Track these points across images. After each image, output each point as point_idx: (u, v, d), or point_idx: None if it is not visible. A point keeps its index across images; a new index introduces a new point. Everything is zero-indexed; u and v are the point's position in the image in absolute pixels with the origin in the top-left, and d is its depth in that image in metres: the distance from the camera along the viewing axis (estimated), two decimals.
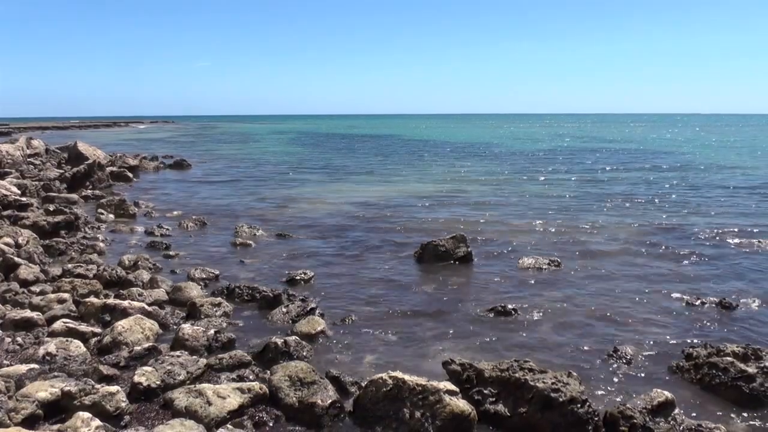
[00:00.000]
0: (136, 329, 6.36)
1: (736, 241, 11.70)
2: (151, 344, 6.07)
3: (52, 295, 7.51)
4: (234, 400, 4.82)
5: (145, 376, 5.17)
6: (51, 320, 6.76)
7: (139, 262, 9.53)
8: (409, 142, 55.63)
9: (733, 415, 5.09)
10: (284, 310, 7.42)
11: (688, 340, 6.65)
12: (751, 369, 5.44)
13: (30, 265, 8.85)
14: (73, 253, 10.26)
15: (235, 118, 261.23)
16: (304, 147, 48.74)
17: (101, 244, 11.02)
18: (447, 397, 4.63)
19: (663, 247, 11.20)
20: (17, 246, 10.08)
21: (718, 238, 12.05)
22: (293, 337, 6.26)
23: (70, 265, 9.00)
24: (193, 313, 7.31)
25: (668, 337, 6.83)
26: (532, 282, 9.02)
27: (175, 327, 6.82)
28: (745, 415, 5.08)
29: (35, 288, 7.99)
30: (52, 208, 13.96)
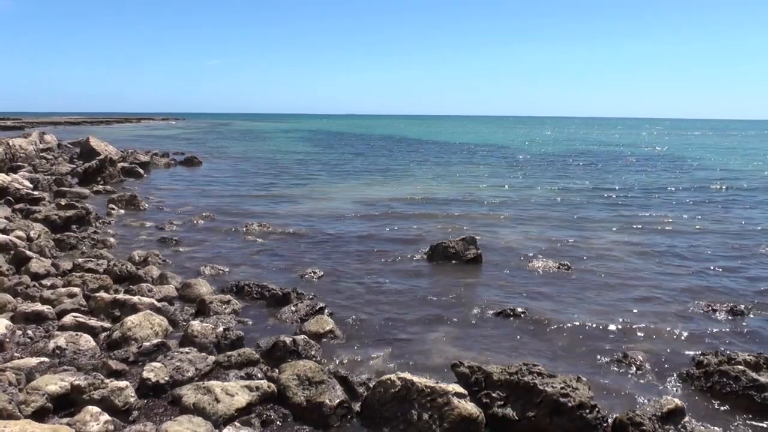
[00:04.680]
0: (145, 325, 6.38)
1: (748, 247, 11.61)
2: (160, 340, 6.08)
3: (63, 289, 7.54)
4: (242, 398, 4.83)
5: (154, 372, 5.19)
6: (61, 314, 6.78)
7: (149, 258, 9.57)
8: (418, 142, 55.60)
9: (743, 425, 5.04)
10: (293, 308, 7.42)
11: (699, 347, 6.59)
12: (763, 378, 5.39)
13: (41, 258, 8.90)
14: (84, 248, 10.29)
15: (245, 116, 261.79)
16: (314, 146, 48.80)
17: (112, 239, 11.07)
18: (455, 400, 4.61)
19: (674, 253, 11.13)
20: (29, 239, 10.16)
21: (729, 243, 11.96)
22: (302, 336, 6.26)
23: (80, 260, 9.04)
24: (202, 309, 7.33)
25: (678, 343, 6.78)
26: (542, 285, 8.98)
27: (184, 323, 6.83)
28: (757, 424, 5.03)
29: (46, 282, 8.03)
30: (63, 202, 14.06)
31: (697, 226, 13.88)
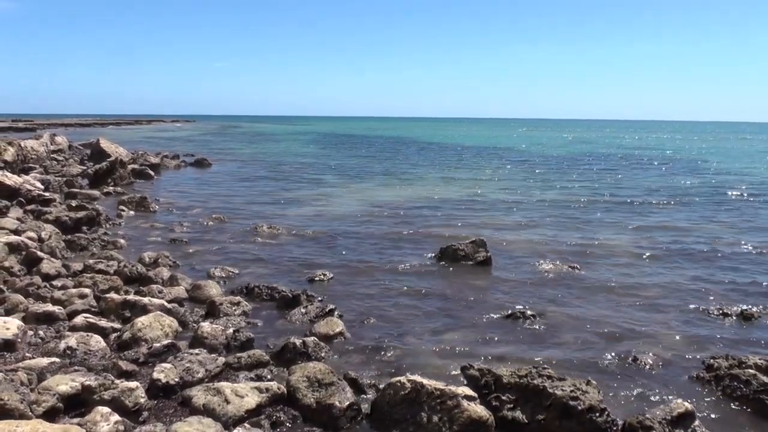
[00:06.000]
0: (155, 326, 6.40)
1: (758, 251, 11.54)
2: (170, 341, 6.11)
3: (74, 290, 7.58)
4: (252, 400, 4.84)
5: (164, 372, 5.21)
6: (72, 315, 6.82)
7: (159, 259, 9.61)
8: (428, 144, 55.59)
9: (754, 429, 5.01)
10: (303, 310, 7.44)
11: (709, 351, 6.56)
12: None
13: (52, 259, 8.95)
14: (95, 249, 10.36)
15: (253, 119, 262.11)
16: (323, 148, 48.90)
17: (122, 241, 11.12)
18: (465, 402, 4.61)
19: (684, 256, 11.08)
20: (40, 240, 10.22)
21: (739, 247, 11.90)
22: (312, 338, 6.28)
23: (91, 261, 9.09)
24: (212, 311, 7.35)
25: (688, 346, 6.75)
26: (551, 288, 8.95)
27: (194, 325, 6.85)
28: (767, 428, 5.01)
29: (57, 282, 8.08)
30: (74, 203, 14.14)
31: (709, 229, 13.81)
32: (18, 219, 11.80)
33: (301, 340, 6.10)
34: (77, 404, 4.77)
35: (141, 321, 6.40)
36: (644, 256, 11.01)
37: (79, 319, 6.56)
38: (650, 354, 6.44)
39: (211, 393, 4.87)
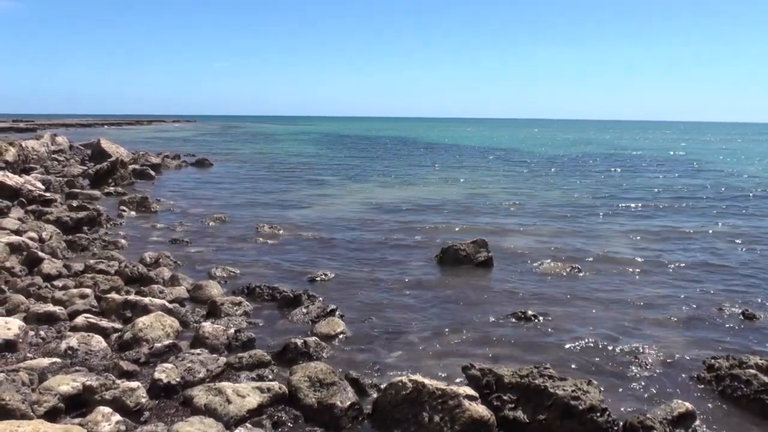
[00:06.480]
0: (156, 326, 6.41)
1: (761, 253, 11.53)
2: (171, 341, 6.11)
3: (75, 290, 7.58)
4: (253, 400, 4.85)
5: (165, 372, 5.21)
6: (73, 315, 6.83)
7: (161, 260, 9.61)
8: (429, 145, 55.60)
9: (755, 429, 5.01)
10: (304, 310, 7.44)
11: (710, 351, 6.55)
12: None
13: (53, 260, 8.96)
14: (95, 249, 10.36)
15: (255, 119, 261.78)
16: (324, 148, 48.89)
17: (123, 241, 11.12)
18: (466, 402, 4.61)
19: (685, 255, 11.08)
20: (41, 240, 10.23)
21: (741, 246, 11.91)
22: (313, 338, 6.28)
23: (92, 261, 9.09)
24: (213, 311, 7.35)
25: (690, 347, 6.74)
26: (553, 288, 8.95)
27: (195, 325, 6.85)
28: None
29: (58, 282, 8.08)
30: (75, 204, 14.15)
31: (712, 232, 13.78)
32: (19, 219, 11.82)
33: (302, 340, 6.11)
34: (78, 404, 4.77)
35: (142, 321, 6.41)
36: (646, 258, 10.99)
37: (80, 320, 6.57)
38: (651, 354, 6.45)
39: (213, 393, 4.87)
